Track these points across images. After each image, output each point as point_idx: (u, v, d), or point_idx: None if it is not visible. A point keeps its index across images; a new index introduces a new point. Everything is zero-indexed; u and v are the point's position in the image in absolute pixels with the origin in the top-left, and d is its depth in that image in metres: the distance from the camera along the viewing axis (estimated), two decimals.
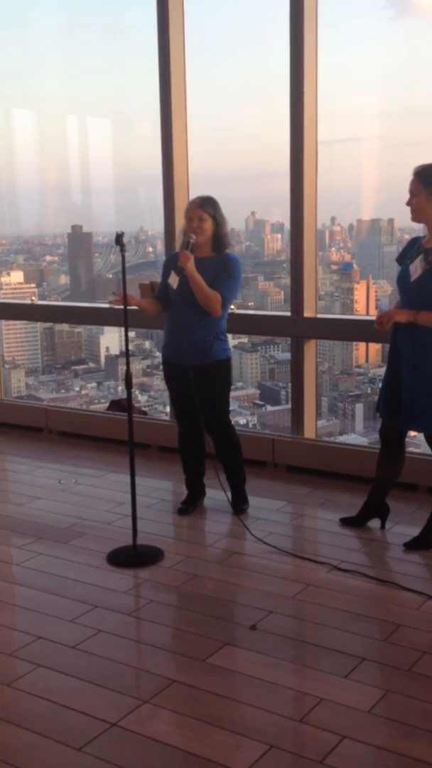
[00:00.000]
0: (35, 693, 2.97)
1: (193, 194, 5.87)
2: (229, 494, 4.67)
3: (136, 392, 7.73)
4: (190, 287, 4.33)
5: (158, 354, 8.30)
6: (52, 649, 3.27)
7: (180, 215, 5.81)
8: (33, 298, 7.05)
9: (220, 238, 4.44)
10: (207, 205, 4.41)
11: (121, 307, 4.18)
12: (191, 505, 4.75)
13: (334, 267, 7.70)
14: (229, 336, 4.74)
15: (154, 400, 7.98)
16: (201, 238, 4.38)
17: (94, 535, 4.44)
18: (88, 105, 8.01)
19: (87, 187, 8.52)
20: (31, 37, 7.74)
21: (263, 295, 7.59)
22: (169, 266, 4.55)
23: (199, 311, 4.39)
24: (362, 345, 7.44)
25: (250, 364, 7.71)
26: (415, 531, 4.26)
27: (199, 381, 4.43)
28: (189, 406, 4.50)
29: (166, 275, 4.55)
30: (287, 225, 5.53)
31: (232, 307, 4.91)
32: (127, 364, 4.13)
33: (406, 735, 2.70)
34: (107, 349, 8.58)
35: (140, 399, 7.84)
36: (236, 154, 7.10)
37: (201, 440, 4.69)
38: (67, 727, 2.77)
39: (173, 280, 4.42)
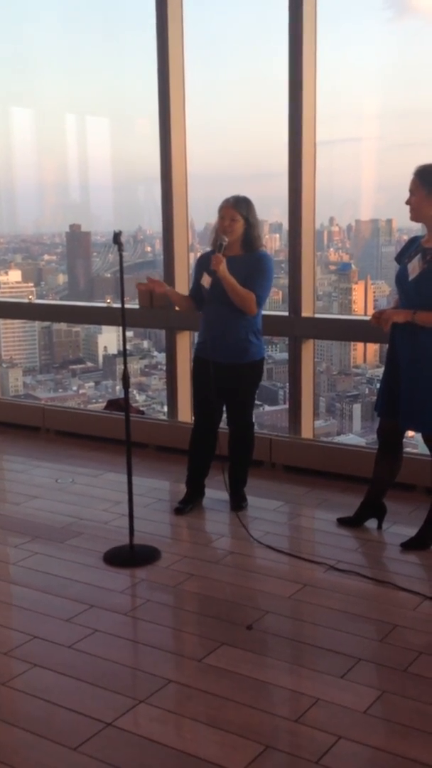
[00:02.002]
0: (31, 692, 2.96)
1: (192, 193, 5.89)
2: (229, 492, 4.68)
3: (134, 392, 7.73)
4: (223, 286, 4.35)
5: (156, 354, 8.31)
6: (47, 649, 3.27)
7: (178, 214, 5.82)
8: (31, 297, 7.04)
9: (251, 239, 4.45)
10: (240, 205, 4.41)
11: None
12: (189, 504, 4.74)
13: (332, 267, 7.70)
14: None
15: (152, 399, 7.98)
16: (231, 237, 4.39)
17: (91, 534, 4.43)
18: (86, 103, 8.01)
19: (85, 185, 8.52)
20: (29, 35, 7.73)
21: None
22: (201, 267, 4.56)
23: (233, 309, 4.41)
24: (360, 345, 7.44)
25: None
26: (412, 531, 4.25)
27: (231, 380, 4.47)
28: (212, 405, 4.51)
29: (198, 276, 4.57)
30: (286, 225, 5.53)
31: None
32: (125, 363, 4.13)
33: (402, 735, 2.69)
34: (105, 348, 8.58)
35: (138, 399, 7.84)
36: (235, 153, 7.09)
37: (214, 441, 4.69)
38: (63, 727, 2.76)
39: (206, 281, 4.43)
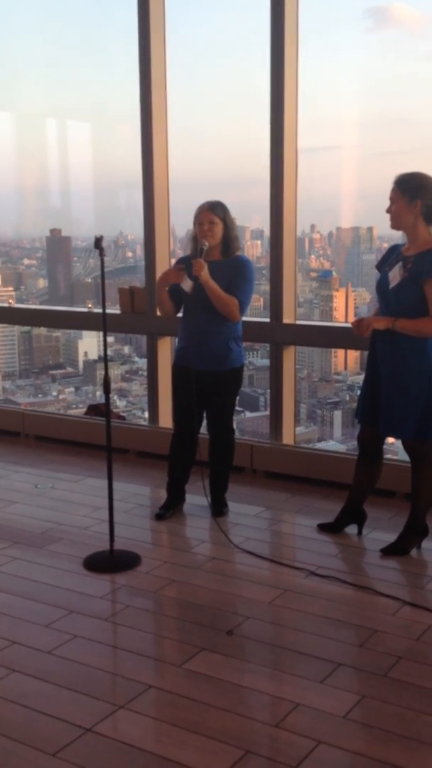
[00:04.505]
0: (10, 698, 2.94)
1: (173, 200, 5.90)
2: (210, 498, 4.68)
3: (115, 397, 7.71)
4: (205, 292, 4.34)
5: (137, 359, 8.29)
6: (27, 654, 3.25)
7: (159, 220, 5.83)
8: (11, 301, 7.01)
9: (229, 241, 4.45)
10: (217, 208, 4.42)
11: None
12: (169, 510, 4.74)
13: (313, 274, 7.73)
14: None
15: (133, 405, 7.96)
16: (211, 242, 4.39)
17: (71, 539, 4.41)
18: (68, 108, 8.00)
19: (66, 190, 8.50)
20: (9, 38, 7.71)
21: None
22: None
23: (215, 315, 4.40)
24: (341, 352, 7.48)
25: None
26: (391, 537, 4.27)
27: (212, 387, 4.46)
28: (192, 411, 4.51)
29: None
30: (267, 232, 5.55)
31: None
32: (105, 368, 4.12)
33: (381, 740, 2.70)
34: (86, 353, 8.55)
35: (118, 404, 7.82)
36: (216, 160, 7.12)
37: (195, 447, 4.68)
38: (42, 733, 2.75)
39: (186, 284, 4.42)
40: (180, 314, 4.63)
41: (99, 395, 7.82)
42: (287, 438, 5.56)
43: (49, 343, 8.78)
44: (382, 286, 4.04)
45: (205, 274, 4.28)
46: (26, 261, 8.91)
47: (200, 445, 4.67)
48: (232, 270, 4.41)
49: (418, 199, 3.86)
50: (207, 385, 4.47)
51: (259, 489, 5.21)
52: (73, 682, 3.04)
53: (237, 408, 4.94)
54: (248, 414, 7.51)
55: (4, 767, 2.59)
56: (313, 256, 7.77)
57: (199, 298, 4.38)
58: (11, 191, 8.46)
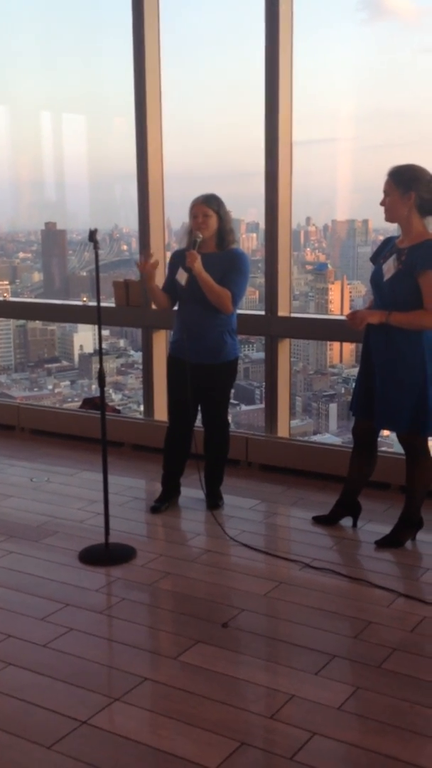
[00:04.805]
0: (5, 692, 2.95)
1: (168, 192, 5.89)
2: (205, 491, 4.69)
3: (110, 391, 7.72)
4: (199, 284, 4.34)
5: (132, 353, 8.30)
6: (22, 648, 3.25)
7: (154, 213, 5.82)
8: (6, 294, 7.00)
9: (224, 234, 4.44)
10: (211, 201, 4.41)
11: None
12: (164, 503, 4.74)
13: (308, 267, 7.73)
14: None
15: (128, 398, 7.97)
16: (206, 234, 4.38)
17: (66, 533, 4.42)
18: (63, 101, 7.98)
19: (61, 183, 8.49)
20: (5, 32, 7.68)
21: None
22: (175, 263, 4.54)
23: (209, 308, 4.40)
24: (336, 345, 7.49)
25: None
26: (386, 529, 4.28)
27: (206, 379, 4.46)
28: (187, 404, 4.51)
29: (173, 271, 4.54)
30: (262, 225, 5.55)
31: None
32: (101, 362, 4.12)
33: (376, 731, 2.71)
34: (81, 347, 8.55)
35: (114, 397, 7.83)
36: (211, 153, 7.11)
37: (189, 439, 4.68)
38: (38, 726, 2.75)
39: (181, 277, 4.41)
40: (176, 307, 4.63)
41: (94, 389, 7.83)
42: (282, 431, 5.56)
43: (45, 336, 8.78)
44: (376, 279, 4.04)
45: (198, 265, 4.28)
46: (21, 254, 8.89)
47: (196, 438, 4.67)
48: (227, 262, 4.41)
49: (412, 192, 3.86)
50: (201, 379, 4.47)
51: (254, 482, 5.21)
52: (69, 674, 3.05)
53: (232, 401, 4.94)
54: (243, 407, 7.52)
55: (0, 760, 2.59)
56: (308, 249, 7.77)
57: (193, 291, 4.37)
58: (6, 184, 8.44)
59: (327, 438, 6.95)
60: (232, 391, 4.82)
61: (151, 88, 5.70)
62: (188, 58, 7.13)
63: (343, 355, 7.65)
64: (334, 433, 7.30)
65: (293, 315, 5.52)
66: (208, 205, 4.40)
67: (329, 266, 7.49)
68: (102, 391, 4.15)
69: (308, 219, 7.62)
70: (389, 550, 4.17)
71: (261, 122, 5.26)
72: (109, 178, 7.84)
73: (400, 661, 3.13)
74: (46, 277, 8.67)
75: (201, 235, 4.35)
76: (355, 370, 4.93)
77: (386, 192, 3.94)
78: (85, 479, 5.28)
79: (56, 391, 8.37)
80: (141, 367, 6.24)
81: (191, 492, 4.84)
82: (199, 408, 4.67)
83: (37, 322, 8.36)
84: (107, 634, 3.42)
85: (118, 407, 7.00)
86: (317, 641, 3.28)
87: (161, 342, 5.96)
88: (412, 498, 4.19)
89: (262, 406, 5.80)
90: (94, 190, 8.04)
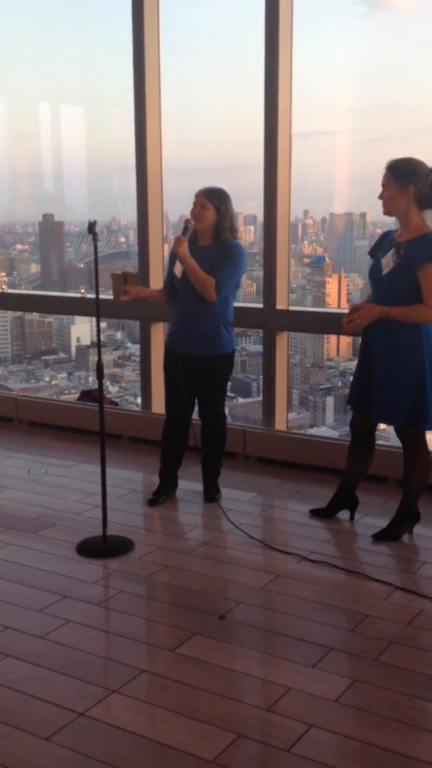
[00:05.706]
0: (2, 683, 2.95)
1: (167, 185, 5.88)
2: (202, 484, 4.70)
3: (108, 383, 7.71)
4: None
5: (130, 345, 8.29)
6: (20, 639, 3.26)
7: (153, 206, 5.81)
8: (3, 286, 6.99)
9: (221, 230, 4.41)
10: (212, 195, 4.38)
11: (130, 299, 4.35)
12: (162, 495, 4.74)
13: (306, 260, 7.73)
14: None
15: (125, 391, 7.97)
16: (200, 225, 4.37)
17: (64, 525, 4.42)
18: (61, 92, 7.96)
19: (59, 175, 8.47)
20: (3, 23, 7.65)
21: None
22: (173, 256, 4.53)
23: (205, 300, 4.37)
24: (333, 338, 7.49)
25: None
26: (383, 523, 4.29)
27: (202, 373, 4.46)
28: (183, 396, 4.50)
29: (171, 264, 4.54)
30: (260, 217, 5.55)
31: None
32: (99, 354, 4.11)
33: (373, 724, 2.72)
34: (78, 339, 8.55)
35: (111, 390, 7.83)
36: (210, 145, 7.10)
37: (187, 432, 4.68)
38: (35, 717, 2.76)
39: (177, 269, 4.40)
40: None
41: (92, 381, 7.83)
42: (280, 424, 5.57)
43: (42, 328, 8.77)
44: (374, 273, 4.04)
45: (183, 250, 4.25)
46: (19, 246, 8.88)
47: (194, 431, 4.67)
48: (219, 253, 4.39)
49: (410, 185, 3.85)
50: (197, 371, 4.47)
51: (251, 474, 5.22)
52: (66, 666, 3.06)
53: (229, 394, 4.95)
54: (241, 400, 7.53)
55: None
56: (306, 242, 7.77)
57: (189, 283, 4.36)
58: (4, 176, 8.43)
59: (323, 431, 6.96)
60: (229, 383, 4.81)
61: (151, 80, 5.68)
62: (188, 50, 7.11)
63: (340, 349, 7.66)
64: (330, 426, 7.31)
65: (291, 308, 5.52)
66: (208, 198, 4.38)
67: (327, 259, 7.49)
68: (100, 384, 4.15)
69: (306, 212, 7.62)
70: (386, 543, 4.18)
71: (260, 115, 5.25)
72: (107, 169, 7.83)
73: (397, 654, 3.14)
74: (43, 268, 8.65)
75: (192, 223, 4.34)
76: (352, 364, 4.94)
77: (384, 185, 3.93)
78: (83, 471, 5.28)
79: (53, 383, 8.37)
80: (138, 359, 6.23)
81: (189, 485, 4.84)
82: (196, 401, 4.67)
83: (35, 313, 8.35)
84: (104, 626, 3.43)
85: (115, 399, 7.00)
86: (314, 634, 3.29)
87: (159, 334, 5.96)
88: (409, 491, 4.20)
89: (260, 398, 5.81)
90: (92, 182, 8.03)
